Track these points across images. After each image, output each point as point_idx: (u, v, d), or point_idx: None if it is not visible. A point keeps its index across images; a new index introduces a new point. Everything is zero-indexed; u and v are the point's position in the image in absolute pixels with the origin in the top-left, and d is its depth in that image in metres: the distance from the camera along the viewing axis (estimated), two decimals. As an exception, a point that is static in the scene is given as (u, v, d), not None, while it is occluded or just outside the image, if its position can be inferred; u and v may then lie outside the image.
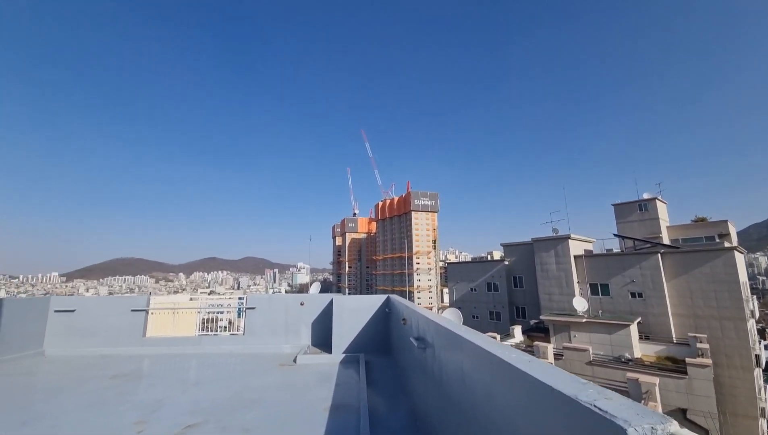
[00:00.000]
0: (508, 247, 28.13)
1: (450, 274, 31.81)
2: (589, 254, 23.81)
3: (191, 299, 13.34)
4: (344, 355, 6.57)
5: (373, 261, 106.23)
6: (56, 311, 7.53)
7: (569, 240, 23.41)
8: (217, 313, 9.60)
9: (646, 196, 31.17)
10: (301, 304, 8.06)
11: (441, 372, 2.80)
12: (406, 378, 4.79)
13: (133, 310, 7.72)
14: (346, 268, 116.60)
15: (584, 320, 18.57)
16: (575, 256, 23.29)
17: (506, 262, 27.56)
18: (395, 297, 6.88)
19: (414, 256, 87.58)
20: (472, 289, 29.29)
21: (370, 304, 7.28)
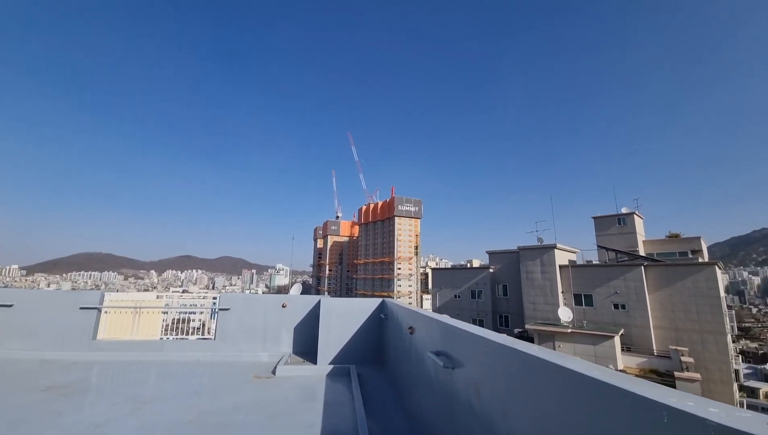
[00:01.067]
0: (493, 255, 27.89)
1: (435, 280, 31.28)
2: (574, 264, 23.84)
3: (158, 297, 12.05)
4: (332, 366, 5.73)
5: (355, 265, 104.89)
6: None
7: (555, 249, 23.36)
8: (189, 313, 8.65)
9: (624, 210, 31.91)
10: (283, 306, 7.16)
11: (489, 404, 2.06)
12: (413, 399, 4.02)
13: (82, 308, 6.59)
14: (327, 271, 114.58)
15: (569, 330, 18.36)
16: (560, 266, 23.24)
17: (491, 270, 27.29)
18: (392, 301, 6.12)
19: (396, 262, 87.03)
20: (456, 296, 28.81)
21: (363, 308, 6.49)
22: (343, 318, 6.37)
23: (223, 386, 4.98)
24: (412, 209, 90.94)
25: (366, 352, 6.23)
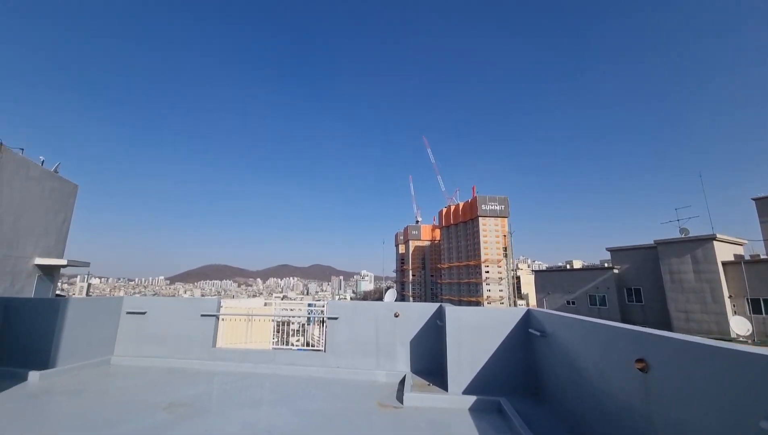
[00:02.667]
0: (617, 253, 23.09)
1: (539, 283, 27.55)
2: (748, 260, 17.96)
3: (266, 304, 12.43)
4: (474, 398, 4.37)
5: (438, 269, 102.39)
6: (128, 313, 6.71)
7: (714, 241, 18.02)
8: (290, 317, 8.52)
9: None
10: (396, 316, 6.12)
11: None
12: None
13: (203, 315, 6.57)
14: (410, 277, 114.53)
15: (754, 350, 13.57)
16: (723, 263, 17.81)
17: (615, 271, 22.62)
18: (545, 312, 4.52)
19: (483, 265, 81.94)
20: (569, 302, 24.70)
21: (501, 320, 5.00)
22: (476, 332, 4.97)
23: (345, 416, 4.04)
24: (498, 208, 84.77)
25: (513, 378, 4.72)
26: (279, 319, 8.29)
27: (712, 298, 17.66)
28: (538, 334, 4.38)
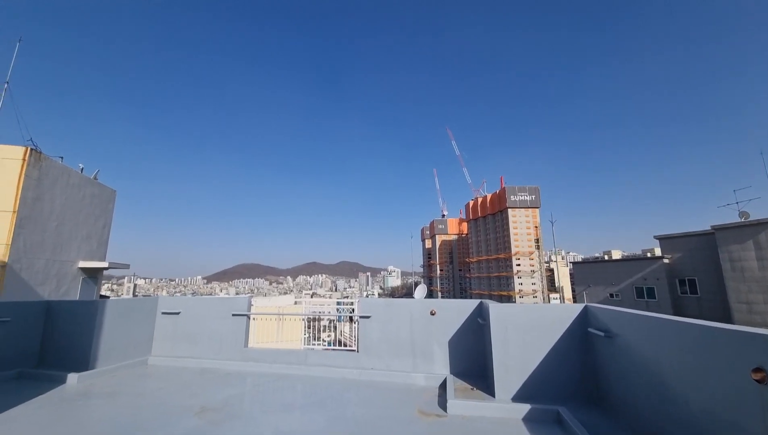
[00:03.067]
0: (667, 241, 21.19)
1: (578, 275, 26.00)
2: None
3: (296, 302, 12.39)
4: (529, 406, 3.88)
5: (467, 263, 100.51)
6: (163, 313, 6.75)
7: (781, 225, 16.10)
8: (320, 315, 8.41)
9: None
10: (432, 314, 5.71)
11: None
12: None
13: (234, 315, 6.48)
14: (438, 271, 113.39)
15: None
16: (793, 249, 15.87)
17: (666, 260, 20.82)
18: (609, 309, 3.93)
19: (513, 258, 79.43)
20: (612, 295, 23.09)
21: (553, 317, 4.44)
22: (525, 331, 4.45)
23: (383, 426, 3.70)
24: (528, 198, 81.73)
25: (570, 384, 4.17)
26: (309, 317, 8.17)
27: (780, 287, 15.82)
28: (601, 334, 3.81)
